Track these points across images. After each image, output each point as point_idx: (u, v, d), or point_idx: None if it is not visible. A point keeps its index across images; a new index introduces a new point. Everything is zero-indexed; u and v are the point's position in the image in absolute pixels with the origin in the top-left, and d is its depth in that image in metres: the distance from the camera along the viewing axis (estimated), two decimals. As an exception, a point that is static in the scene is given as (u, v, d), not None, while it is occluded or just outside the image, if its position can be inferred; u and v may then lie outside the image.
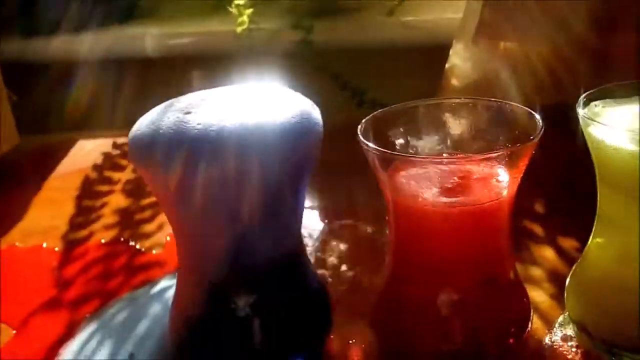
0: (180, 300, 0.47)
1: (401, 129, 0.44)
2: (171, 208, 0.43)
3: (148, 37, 1.15)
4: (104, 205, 0.76)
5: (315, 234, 0.66)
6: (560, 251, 0.58)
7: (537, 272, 0.56)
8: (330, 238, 0.65)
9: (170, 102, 0.42)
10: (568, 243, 0.59)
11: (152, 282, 0.59)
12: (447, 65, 0.94)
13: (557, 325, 0.49)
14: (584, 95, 0.43)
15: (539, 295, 0.53)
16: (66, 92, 1.03)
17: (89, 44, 1.16)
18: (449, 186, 0.41)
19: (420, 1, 1.12)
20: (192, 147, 0.38)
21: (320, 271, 0.58)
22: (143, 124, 0.41)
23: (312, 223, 0.68)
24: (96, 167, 0.84)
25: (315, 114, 0.42)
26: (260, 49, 1.06)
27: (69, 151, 0.90)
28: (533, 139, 0.39)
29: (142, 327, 0.52)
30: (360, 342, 0.49)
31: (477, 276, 0.43)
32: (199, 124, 0.38)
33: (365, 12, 1.10)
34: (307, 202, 0.73)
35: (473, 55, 0.91)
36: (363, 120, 0.43)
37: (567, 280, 0.48)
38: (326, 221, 0.68)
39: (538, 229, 0.63)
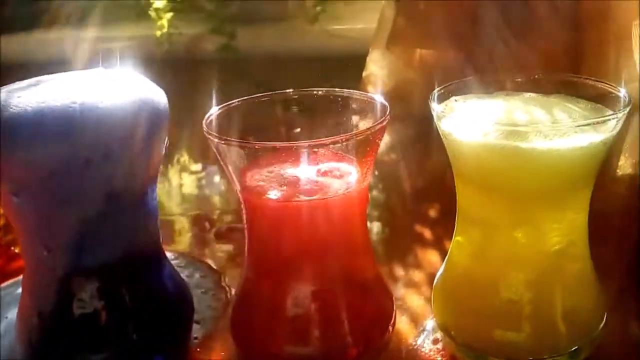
0: (26, 300, 0.44)
1: (251, 124, 0.42)
2: (5, 199, 0.40)
3: (68, 42, 1.12)
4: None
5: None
6: (446, 255, 0.57)
7: (418, 275, 0.55)
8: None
9: (5, 87, 0.40)
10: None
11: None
12: (364, 73, 0.93)
13: (426, 328, 0.48)
14: (438, 88, 0.42)
15: (415, 299, 0.51)
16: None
17: (16, 47, 1.14)
18: (295, 180, 0.40)
19: (346, 9, 1.12)
20: (6, 128, 0.35)
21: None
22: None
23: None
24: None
25: (159, 97, 0.41)
26: (182, 54, 1.04)
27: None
28: (374, 126, 0.38)
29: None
30: (222, 348, 0.47)
31: (331, 272, 0.42)
32: (17, 104, 0.36)
33: (289, 20, 1.09)
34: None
35: (388, 62, 0.91)
36: (210, 112, 0.41)
37: (434, 282, 0.47)
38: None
39: (427, 233, 0.61)
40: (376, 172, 0.77)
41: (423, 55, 0.89)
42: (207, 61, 1.03)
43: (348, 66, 1.00)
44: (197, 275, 0.57)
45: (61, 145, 0.36)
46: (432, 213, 0.65)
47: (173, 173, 0.81)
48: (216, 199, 0.75)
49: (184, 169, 0.83)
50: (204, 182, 0.80)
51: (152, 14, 0.99)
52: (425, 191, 0.70)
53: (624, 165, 0.75)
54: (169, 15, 1.00)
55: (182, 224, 0.69)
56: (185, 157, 0.85)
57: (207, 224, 0.68)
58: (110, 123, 0.37)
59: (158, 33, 1.00)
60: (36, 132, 0.35)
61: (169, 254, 0.53)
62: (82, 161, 0.37)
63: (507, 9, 0.83)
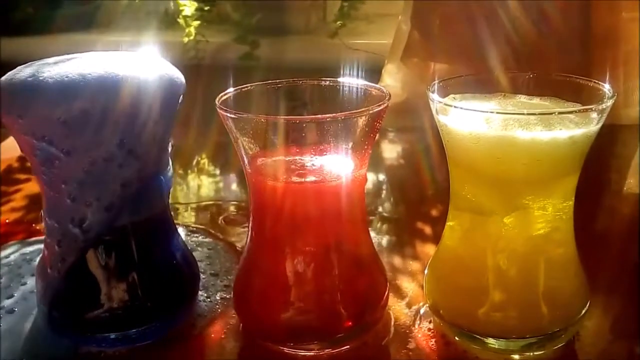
0: (45, 257, 0.47)
1: (261, 107, 0.46)
2: (35, 160, 0.43)
3: (101, 44, 1.18)
4: (17, 191, 0.76)
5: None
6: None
7: (415, 265, 0.57)
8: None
9: (35, 61, 0.44)
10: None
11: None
12: (379, 85, 0.97)
13: (418, 310, 0.50)
14: (438, 80, 0.45)
15: (410, 286, 0.54)
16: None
17: (50, 47, 1.19)
18: (297, 163, 0.43)
19: (369, 27, 1.16)
20: (45, 92, 0.39)
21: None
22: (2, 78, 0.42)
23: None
24: (20, 159, 0.85)
25: (177, 74, 0.45)
26: (207, 61, 1.09)
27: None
28: (373, 107, 0.41)
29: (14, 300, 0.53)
30: (227, 318, 0.50)
31: (328, 248, 0.44)
32: (53, 74, 0.40)
33: (310, 34, 1.14)
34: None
35: (402, 75, 0.94)
36: (224, 93, 0.44)
37: (427, 265, 0.49)
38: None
39: (428, 229, 0.64)
40: (387, 179, 0.80)
41: (436, 69, 0.93)
42: (231, 68, 1.07)
43: (365, 78, 1.04)
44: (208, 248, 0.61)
45: (94, 106, 0.40)
46: (435, 213, 0.68)
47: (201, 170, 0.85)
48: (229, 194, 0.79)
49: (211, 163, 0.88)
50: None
51: (181, 21, 1.05)
52: (431, 196, 0.73)
53: (632, 185, 0.77)
54: (197, 23, 1.05)
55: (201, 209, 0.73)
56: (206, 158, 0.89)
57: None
58: (137, 90, 0.41)
59: (185, 40, 1.05)
60: (74, 94, 0.39)
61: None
62: (109, 122, 0.40)
63: (519, 27, 0.86)
